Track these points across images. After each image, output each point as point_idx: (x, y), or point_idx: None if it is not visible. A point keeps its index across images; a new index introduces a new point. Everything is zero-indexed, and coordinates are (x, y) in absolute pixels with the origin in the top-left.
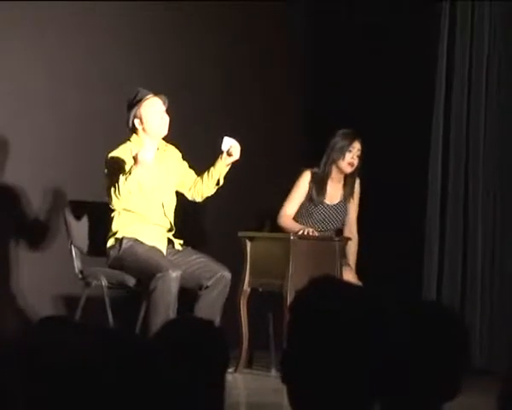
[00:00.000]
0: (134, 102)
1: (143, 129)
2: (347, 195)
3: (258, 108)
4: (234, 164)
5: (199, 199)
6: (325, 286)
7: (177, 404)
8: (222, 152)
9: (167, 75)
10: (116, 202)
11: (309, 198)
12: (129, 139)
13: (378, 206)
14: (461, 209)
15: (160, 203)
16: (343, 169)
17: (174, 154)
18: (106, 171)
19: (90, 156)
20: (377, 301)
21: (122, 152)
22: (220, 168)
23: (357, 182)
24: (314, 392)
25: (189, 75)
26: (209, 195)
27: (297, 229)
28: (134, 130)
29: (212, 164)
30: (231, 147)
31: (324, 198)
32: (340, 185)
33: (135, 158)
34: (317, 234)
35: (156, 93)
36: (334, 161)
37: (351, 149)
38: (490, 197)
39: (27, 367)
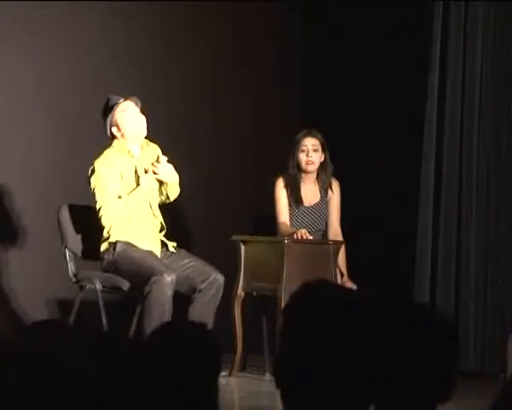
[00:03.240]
0: (106, 111)
1: (122, 135)
2: (323, 192)
3: (254, 110)
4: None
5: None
6: (318, 289)
7: (170, 407)
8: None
9: (158, 77)
10: (103, 225)
11: (289, 203)
12: (111, 145)
13: (369, 210)
14: (455, 214)
15: (148, 204)
16: (304, 169)
17: (155, 152)
18: (93, 183)
19: (85, 159)
20: (370, 304)
21: (108, 160)
22: (165, 184)
23: (335, 181)
24: (308, 395)
25: (180, 77)
26: (175, 195)
27: (291, 232)
28: (113, 137)
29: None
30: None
31: (301, 201)
32: (315, 185)
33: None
34: (309, 236)
35: (127, 96)
36: (296, 164)
37: (303, 148)
38: (484, 202)
39: (21, 370)
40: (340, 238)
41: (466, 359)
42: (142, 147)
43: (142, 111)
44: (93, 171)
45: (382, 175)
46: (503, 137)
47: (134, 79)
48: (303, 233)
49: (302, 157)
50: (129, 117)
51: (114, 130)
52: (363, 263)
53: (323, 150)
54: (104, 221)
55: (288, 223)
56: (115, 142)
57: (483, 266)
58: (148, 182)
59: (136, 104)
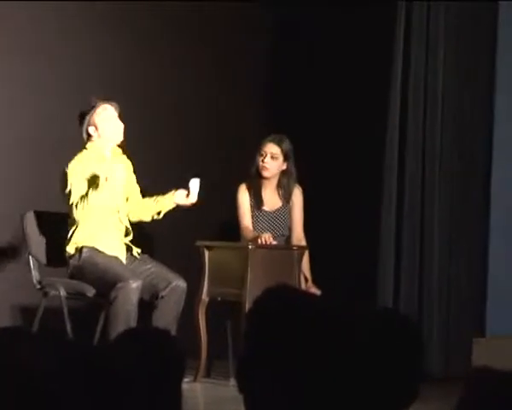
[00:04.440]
0: (85, 111)
1: (99, 135)
2: (283, 200)
3: (221, 116)
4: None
5: (133, 218)
6: (280, 294)
7: None
8: (175, 189)
9: (127, 79)
10: (79, 214)
11: (251, 206)
12: (85, 147)
13: (333, 215)
14: (418, 215)
15: (116, 209)
16: (260, 173)
17: (126, 163)
18: (68, 183)
19: (49, 165)
20: (332, 309)
21: (81, 162)
22: (169, 203)
23: (298, 188)
24: (270, 400)
25: (149, 78)
26: (144, 221)
27: (254, 237)
28: (89, 138)
29: (162, 193)
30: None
31: (262, 205)
32: (276, 191)
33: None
34: (273, 240)
35: (107, 100)
36: (256, 168)
37: (262, 152)
38: (447, 207)
39: None
40: (304, 244)
41: (430, 362)
42: (112, 151)
43: (120, 118)
44: (66, 174)
45: (345, 179)
46: (466, 136)
47: (98, 81)
48: (267, 238)
49: (259, 161)
50: (107, 118)
51: (92, 130)
52: (328, 268)
53: (286, 159)
54: (77, 216)
55: (250, 227)
56: (89, 144)
57: (446, 271)
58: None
59: (116, 109)
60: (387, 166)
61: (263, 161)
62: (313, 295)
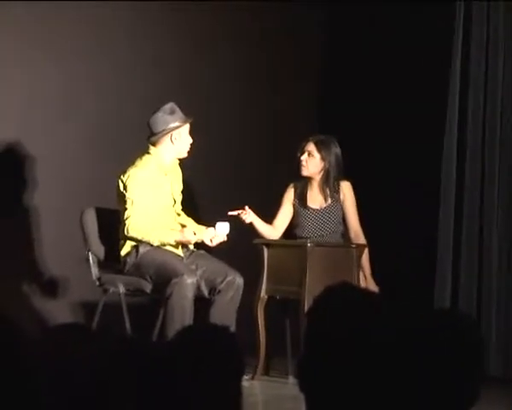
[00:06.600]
0: (174, 115)
1: (172, 144)
2: (331, 197)
3: (274, 117)
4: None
5: None
6: (341, 293)
7: None
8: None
9: (182, 80)
10: (130, 235)
11: (297, 208)
12: (148, 152)
13: (390, 210)
14: (477, 215)
15: (171, 206)
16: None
17: (178, 173)
18: (130, 192)
19: (107, 162)
20: (392, 307)
21: (146, 172)
22: (198, 235)
23: (345, 185)
24: (331, 399)
25: (203, 80)
26: None
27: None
28: (154, 142)
29: (197, 220)
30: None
31: (306, 203)
32: (321, 190)
33: (181, 239)
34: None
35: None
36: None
37: (302, 151)
38: (506, 205)
39: (47, 372)
40: (362, 239)
41: (489, 363)
42: (173, 165)
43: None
44: (130, 179)
45: (404, 175)
46: None
47: (155, 83)
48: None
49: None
50: (188, 138)
51: (175, 134)
52: (386, 265)
53: (323, 158)
54: (132, 231)
55: (279, 229)
56: (153, 150)
57: (506, 270)
58: (174, 189)
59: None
60: (446, 164)
61: (300, 159)
62: (373, 294)
